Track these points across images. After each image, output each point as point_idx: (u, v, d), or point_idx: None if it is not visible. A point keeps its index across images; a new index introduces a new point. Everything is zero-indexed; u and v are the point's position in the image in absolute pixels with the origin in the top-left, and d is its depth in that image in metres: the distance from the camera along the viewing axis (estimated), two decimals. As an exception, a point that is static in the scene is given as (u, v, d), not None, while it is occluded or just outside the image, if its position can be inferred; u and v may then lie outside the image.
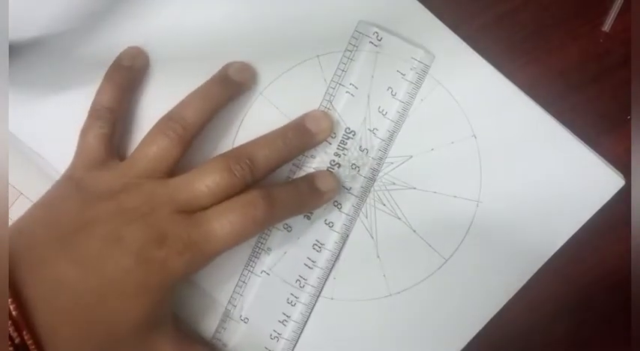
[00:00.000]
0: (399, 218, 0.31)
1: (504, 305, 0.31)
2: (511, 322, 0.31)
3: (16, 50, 0.31)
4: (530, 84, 0.31)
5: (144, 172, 0.28)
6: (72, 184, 0.28)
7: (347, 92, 0.30)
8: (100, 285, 0.25)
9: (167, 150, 0.28)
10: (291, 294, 0.31)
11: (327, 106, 0.31)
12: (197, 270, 0.27)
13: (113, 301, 0.26)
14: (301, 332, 0.31)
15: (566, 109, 0.31)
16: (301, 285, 0.31)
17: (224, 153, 0.29)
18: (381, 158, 0.31)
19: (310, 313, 0.31)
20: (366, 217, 0.31)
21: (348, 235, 0.31)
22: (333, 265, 0.31)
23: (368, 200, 0.31)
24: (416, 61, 0.30)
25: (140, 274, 0.26)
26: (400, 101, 0.30)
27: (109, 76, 0.31)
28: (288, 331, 0.31)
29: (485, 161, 0.31)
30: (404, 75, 0.30)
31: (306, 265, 0.31)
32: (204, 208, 0.27)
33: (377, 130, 0.30)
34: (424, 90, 0.31)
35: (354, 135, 0.31)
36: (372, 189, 0.31)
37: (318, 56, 0.31)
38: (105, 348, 0.26)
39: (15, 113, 0.31)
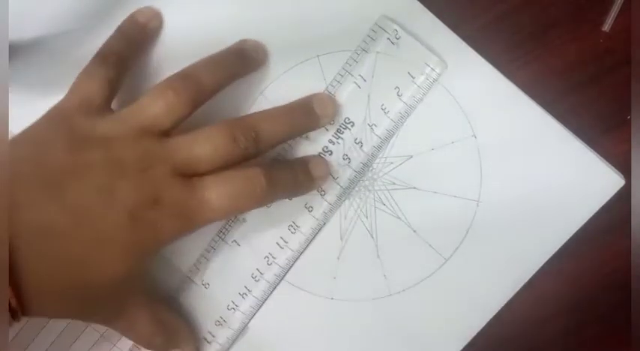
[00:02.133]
0: (399, 218, 0.31)
1: (504, 305, 0.31)
2: (511, 321, 0.31)
3: (16, 50, 0.31)
4: (530, 84, 0.31)
5: (144, 125, 0.26)
6: (63, 123, 0.27)
7: (354, 82, 0.30)
8: (89, 236, 0.25)
9: (175, 108, 0.27)
10: (257, 269, 0.31)
11: (333, 92, 0.30)
12: (184, 236, 0.27)
13: (100, 253, 0.25)
14: (257, 310, 0.31)
15: (566, 109, 0.31)
16: (269, 262, 0.31)
17: (229, 120, 0.28)
18: (373, 155, 0.31)
19: (271, 292, 0.31)
20: (366, 217, 0.31)
21: (325, 224, 0.31)
22: (304, 250, 0.31)
23: (368, 200, 0.31)
24: (428, 68, 0.30)
25: (131, 232, 0.25)
26: (404, 103, 0.30)
27: (121, 27, 0.30)
28: (245, 305, 0.31)
29: (485, 161, 0.31)
30: (414, 78, 0.30)
31: (278, 244, 0.31)
32: (201, 174, 0.26)
33: (376, 126, 0.30)
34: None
35: (352, 126, 0.31)
36: (373, 188, 0.31)
37: (318, 56, 0.31)
38: (83, 300, 0.25)
39: (15, 113, 0.31)
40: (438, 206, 0.31)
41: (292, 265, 0.31)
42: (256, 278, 0.31)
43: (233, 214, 0.27)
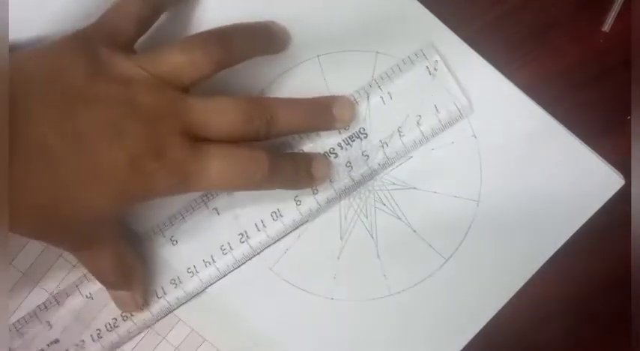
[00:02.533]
0: (399, 218, 0.31)
1: (504, 305, 0.31)
2: (511, 321, 0.31)
3: (16, 50, 0.31)
4: (530, 84, 0.31)
5: (165, 75, 0.26)
6: (87, 48, 0.26)
7: (380, 97, 0.30)
8: (85, 167, 0.24)
9: (200, 67, 0.26)
10: (228, 243, 0.31)
11: (358, 99, 0.30)
12: (174, 195, 0.27)
13: (90, 187, 0.25)
14: (215, 282, 0.31)
15: (566, 109, 0.31)
16: (242, 240, 0.31)
17: (249, 97, 0.28)
18: (376, 171, 0.31)
19: (234, 269, 0.31)
20: (366, 217, 0.31)
21: (308, 221, 0.31)
22: (280, 239, 0.31)
23: (368, 200, 0.31)
24: (455, 107, 0.30)
25: (126, 175, 0.25)
26: (421, 132, 0.30)
27: None
28: (205, 273, 0.31)
29: (485, 161, 0.31)
30: (438, 112, 0.30)
31: (256, 226, 0.31)
32: (207, 139, 0.26)
33: (387, 145, 0.30)
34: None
35: (364, 138, 0.30)
36: (373, 188, 0.31)
37: (318, 56, 0.31)
38: (59, 225, 0.25)
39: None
40: (438, 206, 0.31)
41: (263, 250, 0.31)
42: (224, 251, 0.31)
43: (227, 189, 0.27)
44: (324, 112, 0.30)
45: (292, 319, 0.32)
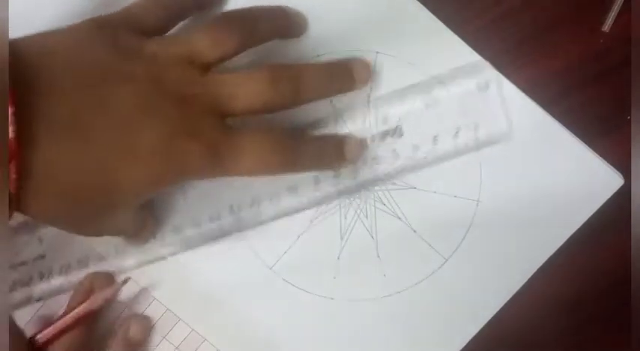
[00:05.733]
0: (399, 218, 0.31)
1: (504, 305, 0.31)
2: (511, 321, 0.31)
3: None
4: (530, 84, 0.31)
5: (189, 53, 0.26)
6: (109, 29, 0.25)
7: (426, 102, 0.30)
8: (120, 148, 0.23)
9: (224, 45, 0.26)
10: (238, 205, 0.31)
11: (407, 96, 0.30)
12: (203, 179, 0.26)
13: (126, 165, 0.24)
14: (217, 238, 0.31)
15: (566, 109, 0.31)
16: (252, 205, 0.31)
17: (274, 65, 0.27)
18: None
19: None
20: (366, 217, 0.31)
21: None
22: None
23: (368, 200, 0.31)
24: (494, 130, 0.30)
25: (161, 158, 0.24)
26: (455, 146, 0.30)
27: None
28: (207, 227, 0.31)
29: (486, 161, 0.31)
30: (477, 130, 0.30)
31: (269, 196, 0.30)
32: (236, 114, 0.26)
33: (418, 149, 0.30)
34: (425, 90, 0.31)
35: (399, 136, 0.30)
36: (373, 188, 0.31)
37: (318, 56, 0.31)
38: (88, 210, 0.24)
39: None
40: (438, 206, 0.31)
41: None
42: (233, 210, 0.31)
43: (262, 174, 0.26)
44: (345, 74, 0.29)
45: (292, 319, 0.32)
